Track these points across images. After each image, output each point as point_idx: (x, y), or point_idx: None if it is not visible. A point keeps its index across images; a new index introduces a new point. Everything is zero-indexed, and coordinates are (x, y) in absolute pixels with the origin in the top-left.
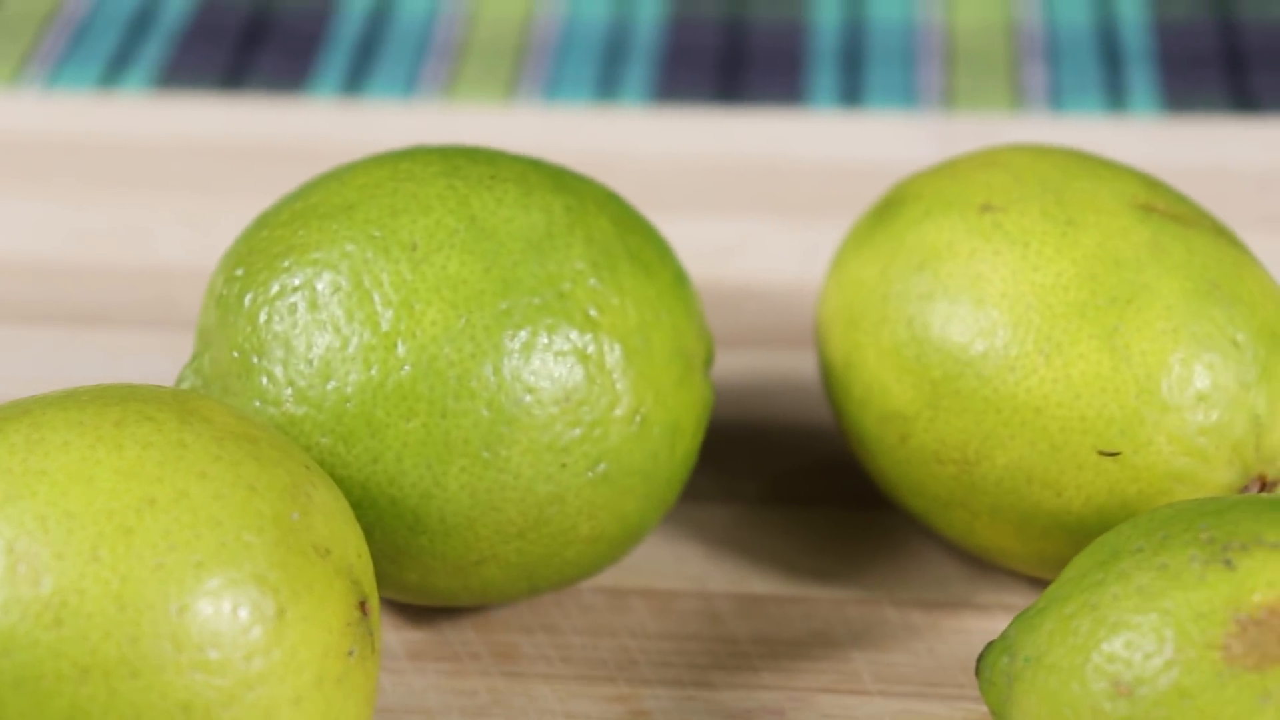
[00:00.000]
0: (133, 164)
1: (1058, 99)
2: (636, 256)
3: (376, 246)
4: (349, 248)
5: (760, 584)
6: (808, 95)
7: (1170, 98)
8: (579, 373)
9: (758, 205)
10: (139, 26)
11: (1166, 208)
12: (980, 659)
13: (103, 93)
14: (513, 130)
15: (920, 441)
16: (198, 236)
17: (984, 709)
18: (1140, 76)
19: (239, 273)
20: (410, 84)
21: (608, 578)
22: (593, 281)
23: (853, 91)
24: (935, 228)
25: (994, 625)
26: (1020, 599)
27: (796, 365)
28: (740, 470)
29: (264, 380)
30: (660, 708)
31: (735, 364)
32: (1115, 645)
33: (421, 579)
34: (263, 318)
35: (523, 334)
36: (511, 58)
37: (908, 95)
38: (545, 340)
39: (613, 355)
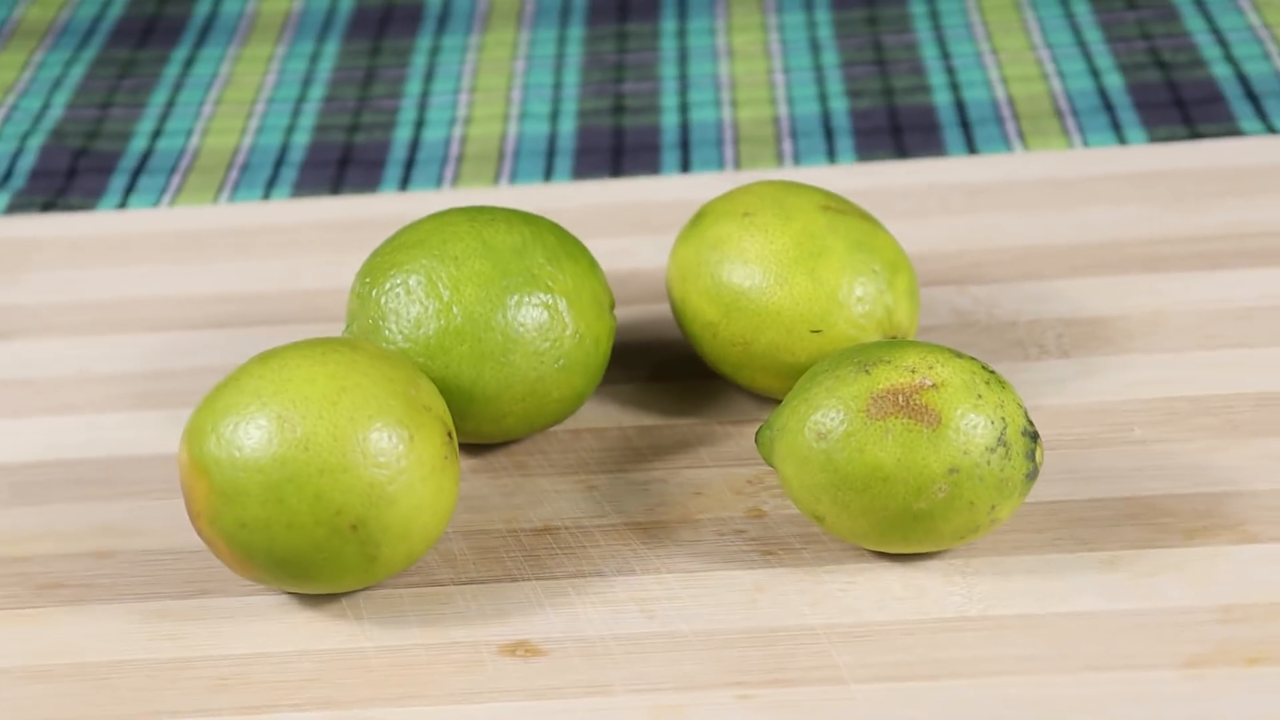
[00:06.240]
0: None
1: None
2: (570, 254)
3: (438, 259)
4: (424, 261)
5: (649, 419)
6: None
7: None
8: (545, 315)
9: None
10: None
11: (836, 206)
12: (757, 434)
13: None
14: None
15: (723, 336)
16: (329, 270)
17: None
18: (844, 145)
19: (367, 280)
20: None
21: (567, 424)
22: (549, 268)
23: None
24: (719, 227)
25: None
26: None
27: (660, 311)
28: (634, 365)
29: (386, 333)
30: (602, 484)
31: (632, 311)
32: (817, 416)
33: (476, 427)
34: (383, 301)
35: (516, 296)
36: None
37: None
38: (528, 299)
39: (563, 304)
